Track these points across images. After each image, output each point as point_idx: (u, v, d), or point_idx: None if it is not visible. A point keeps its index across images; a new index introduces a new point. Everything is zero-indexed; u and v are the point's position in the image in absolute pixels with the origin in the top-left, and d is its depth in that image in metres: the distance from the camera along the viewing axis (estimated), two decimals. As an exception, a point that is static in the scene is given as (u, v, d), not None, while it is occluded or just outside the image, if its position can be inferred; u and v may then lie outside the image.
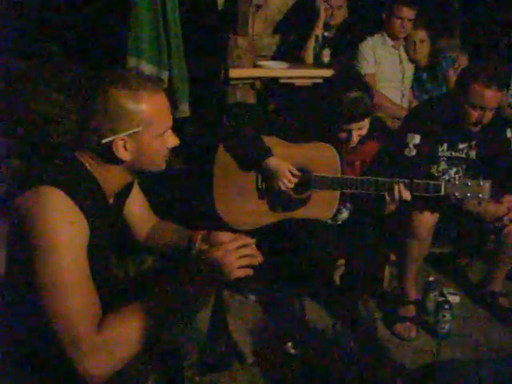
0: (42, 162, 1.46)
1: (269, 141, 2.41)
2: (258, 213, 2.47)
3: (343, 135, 2.34)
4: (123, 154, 1.41)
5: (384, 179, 2.32)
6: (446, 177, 2.60)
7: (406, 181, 2.31)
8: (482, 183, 2.27)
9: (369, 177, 2.35)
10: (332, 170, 2.41)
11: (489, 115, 2.46)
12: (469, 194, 2.28)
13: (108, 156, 1.42)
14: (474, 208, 2.54)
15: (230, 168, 2.46)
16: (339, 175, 2.40)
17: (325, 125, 2.37)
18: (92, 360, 1.26)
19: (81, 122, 1.41)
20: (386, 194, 2.30)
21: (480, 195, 2.27)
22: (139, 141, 1.42)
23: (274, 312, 2.64)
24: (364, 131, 2.34)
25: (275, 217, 2.47)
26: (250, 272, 1.44)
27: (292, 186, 2.38)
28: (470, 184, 2.27)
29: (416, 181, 2.31)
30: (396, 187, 2.29)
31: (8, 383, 1.41)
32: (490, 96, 2.39)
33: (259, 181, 2.46)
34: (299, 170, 2.41)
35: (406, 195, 2.29)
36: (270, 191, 2.46)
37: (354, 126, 2.30)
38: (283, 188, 2.37)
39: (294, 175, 2.37)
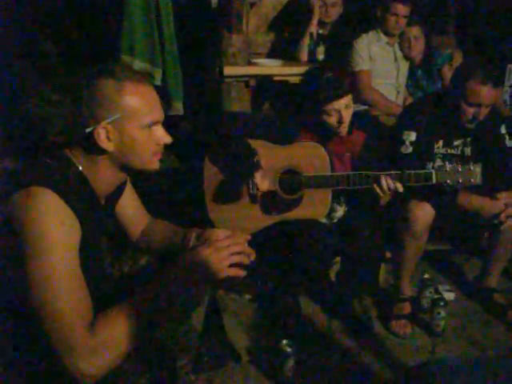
0: (33, 162, 1.45)
1: (257, 144, 2.40)
2: (252, 218, 2.47)
3: (334, 119, 2.35)
4: (105, 144, 1.40)
5: (374, 173, 2.33)
6: None
7: (398, 172, 2.31)
8: (472, 168, 2.28)
9: (359, 172, 2.36)
10: (322, 169, 2.41)
11: (485, 112, 2.46)
12: (460, 180, 2.28)
13: (93, 148, 1.41)
14: (469, 205, 2.54)
15: (219, 176, 2.46)
16: (329, 173, 2.40)
17: (314, 115, 2.39)
18: (85, 360, 1.25)
19: (69, 114, 1.40)
20: (376, 186, 2.30)
21: (472, 180, 2.28)
22: (122, 130, 1.40)
23: (269, 310, 2.63)
24: (351, 111, 2.38)
25: (270, 220, 2.47)
26: (241, 272, 1.41)
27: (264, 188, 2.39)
28: (460, 170, 2.28)
29: (407, 171, 2.31)
30: (383, 179, 2.29)
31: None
32: (486, 93, 2.39)
33: (250, 186, 2.45)
34: (289, 171, 2.40)
35: (398, 186, 2.29)
36: (262, 195, 2.45)
37: (341, 103, 2.33)
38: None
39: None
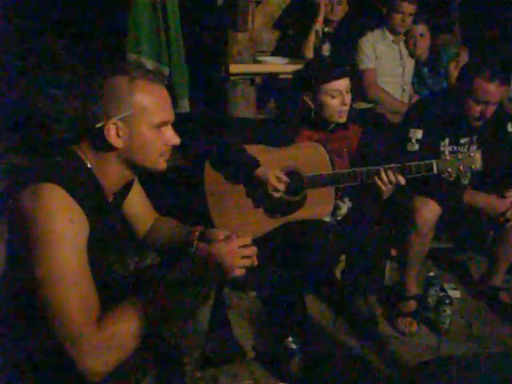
0: (42, 159, 1.46)
1: (256, 149, 2.40)
2: (257, 221, 2.45)
3: (338, 101, 2.36)
4: (115, 140, 1.41)
5: (374, 167, 2.32)
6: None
7: (398, 164, 2.31)
8: (472, 154, 2.28)
9: (359, 167, 2.36)
10: (323, 168, 2.40)
11: (491, 110, 2.45)
12: (461, 167, 2.28)
13: (102, 144, 1.42)
14: (476, 203, 2.54)
15: (220, 183, 2.44)
16: (330, 171, 2.40)
17: (316, 101, 2.39)
18: (92, 356, 1.26)
19: (78, 109, 1.41)
20: (377, 180, 2.30)
21: (472, 166, 2.27)
22: (132, 127, 1.41)
23: (275, 307, 2.63)
24: (350, 96, 2.40)
25: (274, 223, 2.45)
26: (243, 272, 1.47)
27: (281, 191, 2.37)
28: (460, 157, 2.27)
29: (407, 163, 2.31)
30: (384, 171, 2.30)
31: (8, 381, 1.41)
32: (493, 90, 2.38)
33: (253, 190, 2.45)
34: (290, 173, 2.40)
35: (400, 179, 2.29)
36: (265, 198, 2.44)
37: (343, 84, 2.35)
38: (275, 196, 2.37)
39: (281, 180, 2.36)
